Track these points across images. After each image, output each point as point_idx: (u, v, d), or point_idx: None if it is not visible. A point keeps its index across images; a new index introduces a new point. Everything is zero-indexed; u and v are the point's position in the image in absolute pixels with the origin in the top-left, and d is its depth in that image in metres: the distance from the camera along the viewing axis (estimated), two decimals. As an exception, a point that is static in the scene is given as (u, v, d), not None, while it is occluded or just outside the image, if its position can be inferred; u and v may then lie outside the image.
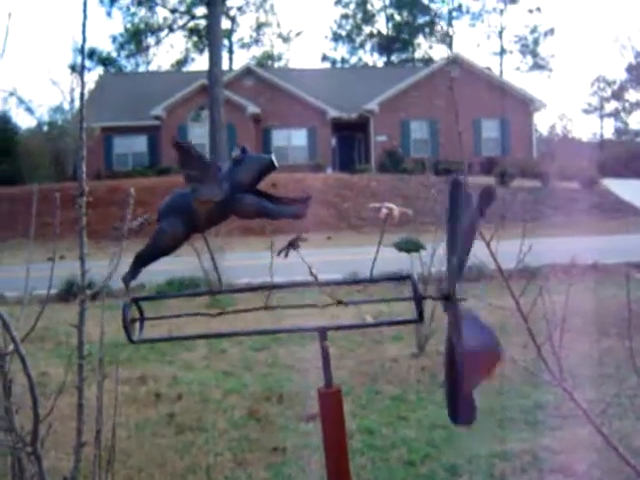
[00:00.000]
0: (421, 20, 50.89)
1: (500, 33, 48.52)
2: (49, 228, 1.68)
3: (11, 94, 39.62)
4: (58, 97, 73.42)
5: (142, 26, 42.19)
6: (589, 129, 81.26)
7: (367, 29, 51.89)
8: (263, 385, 4.57)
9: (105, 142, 26.87)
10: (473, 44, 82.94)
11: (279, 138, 27.87)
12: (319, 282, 1.31)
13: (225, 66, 31.78)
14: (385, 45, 50.83)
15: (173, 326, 4.86)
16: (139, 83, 31.79)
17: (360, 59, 52.36)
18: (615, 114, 51.90)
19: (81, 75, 1.73)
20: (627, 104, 51.00)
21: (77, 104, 32.86)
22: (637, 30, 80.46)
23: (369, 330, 5.74)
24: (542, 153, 31.08)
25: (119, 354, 4.81)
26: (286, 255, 1.29)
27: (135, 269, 1.37)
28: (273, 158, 1.31)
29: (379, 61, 51.70)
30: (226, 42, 42.91)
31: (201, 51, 46.05)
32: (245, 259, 11.06)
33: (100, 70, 42.28)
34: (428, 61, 44.98)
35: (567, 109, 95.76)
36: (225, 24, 39.73)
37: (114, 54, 44.53)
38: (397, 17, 51.23)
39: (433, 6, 50.73)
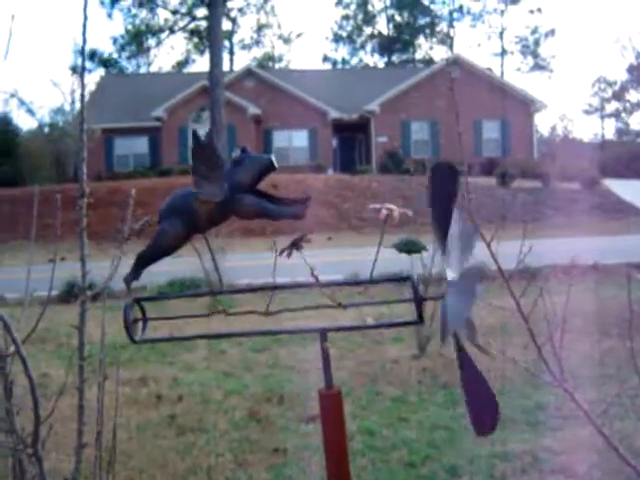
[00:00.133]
0: (422, 21, 50.91)
1: (501, 34, 48.54)
2: (50, 229, 1.68)
3: (12, 95, 39.62)
4: (59, 98, 73.60)
5: (143, 27, 42.27)
6: (590, 130, 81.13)
7: (368, 30, 51.94)
8: (264, 386, 4.57)
9: (106, 143, 26.89)
10: (474, 45, 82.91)
11: (280, 139, 27.87)
12: (320, 283, 1.31)
13: (226, 67, 31.77)
14: (386, 46, 50.83)
15: (173, 327, 4.85)
16: (140, 84, 31.80)
17: (361, 60, 52.44)
18: (616, 115, 51.90)
19: (82, 76, 1.73)
20: (628, 105, 51.02)
21: (78, 105, 32.89)
22: (638, 31, 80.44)
23: (370, 331, 5.74)
24: (543, 154, 31.03)
25: (120, 355, 4.81)
26: (289, 255, 1.29)
27: (137, 270, 1.37)
28: (273, 158, 1.31)
29: (380, 62, 51.75)
30: (227, 43, 42.94)
31: (202, 52, 46.08)
32: (246, 260, 11.07)
33: (101, 71, 42.39)
34: (429, 62, 44.96)
35: (568, 110, 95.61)
36: (226, 25, 39.85)
37: (115, 55, 44.64)
38: (398, 18, 51.25)
39: (434, 7, 50.85)
